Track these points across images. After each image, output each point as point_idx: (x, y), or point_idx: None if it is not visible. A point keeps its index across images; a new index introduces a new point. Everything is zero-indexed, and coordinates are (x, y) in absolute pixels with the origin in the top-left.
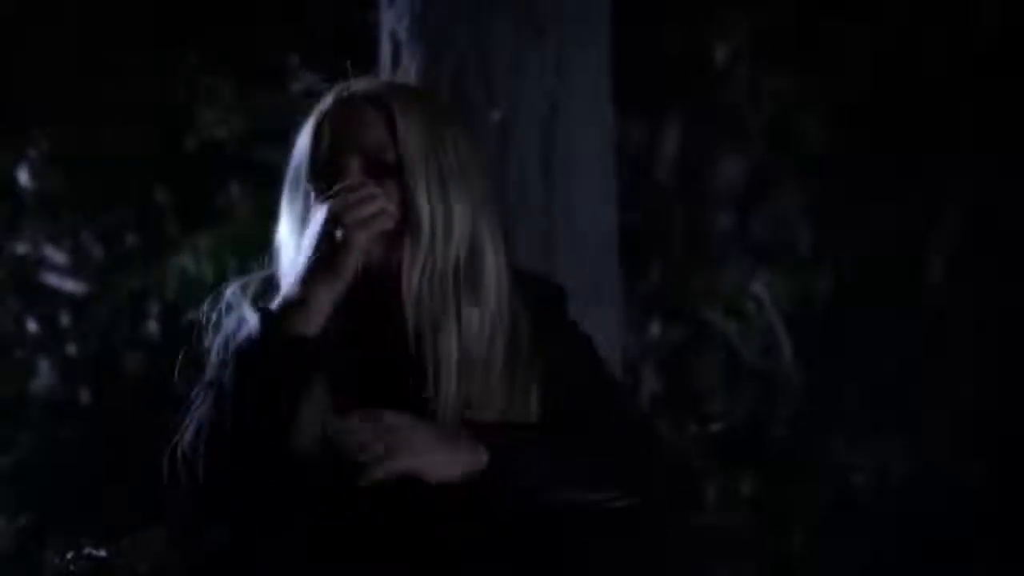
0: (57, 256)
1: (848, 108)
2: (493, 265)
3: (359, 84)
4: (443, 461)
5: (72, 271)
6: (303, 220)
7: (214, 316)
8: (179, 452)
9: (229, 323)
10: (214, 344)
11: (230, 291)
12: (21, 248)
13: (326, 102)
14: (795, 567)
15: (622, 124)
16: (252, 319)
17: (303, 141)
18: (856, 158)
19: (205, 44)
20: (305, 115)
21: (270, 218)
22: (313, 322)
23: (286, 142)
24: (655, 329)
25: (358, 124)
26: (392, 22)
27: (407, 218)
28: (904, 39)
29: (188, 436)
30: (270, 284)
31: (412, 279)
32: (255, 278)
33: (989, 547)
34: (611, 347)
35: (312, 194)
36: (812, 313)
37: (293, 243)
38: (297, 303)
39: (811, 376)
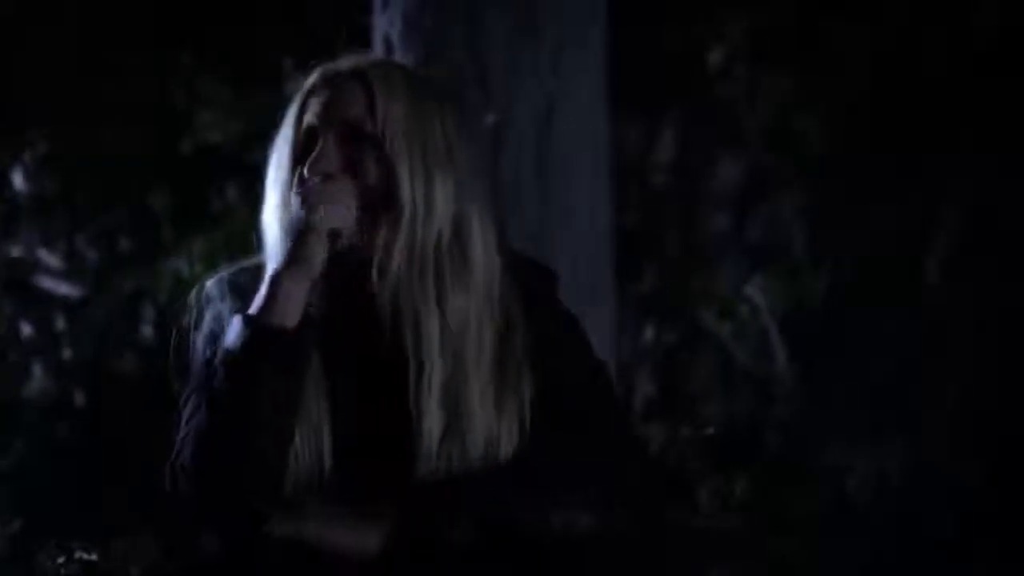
0: (51, 259)
1: (848, 108)
2: (481, 247)
3: (345, 61)
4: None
5: (66, 274)
6: (286, 199)
7: (195, 311)
8: (179, 462)
9: (208, 318)
10: (197, 342)
11: (211, 283)
12: (15, 251)
13: (311, 79)
14: (795, 568)
15: (620, 124)
16: (235, 324)
17: (288, 119)
18: (856, 158)
19: (204, 45)
20: None
21: None
22: (289, 314)
23: None
24: (650, 331)
25: (338, 99)
26: (385, 26)
27: (387, 194)
28: (904, 39)
29: (188, 447)
30: (259, 272)
31: (392, 257)
32: (246, 266)
33: (989, 547)
34: (605, 349)
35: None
36: (810, 314)
37: (276, 222)
38: (270, 298)
39: (809, 377)
